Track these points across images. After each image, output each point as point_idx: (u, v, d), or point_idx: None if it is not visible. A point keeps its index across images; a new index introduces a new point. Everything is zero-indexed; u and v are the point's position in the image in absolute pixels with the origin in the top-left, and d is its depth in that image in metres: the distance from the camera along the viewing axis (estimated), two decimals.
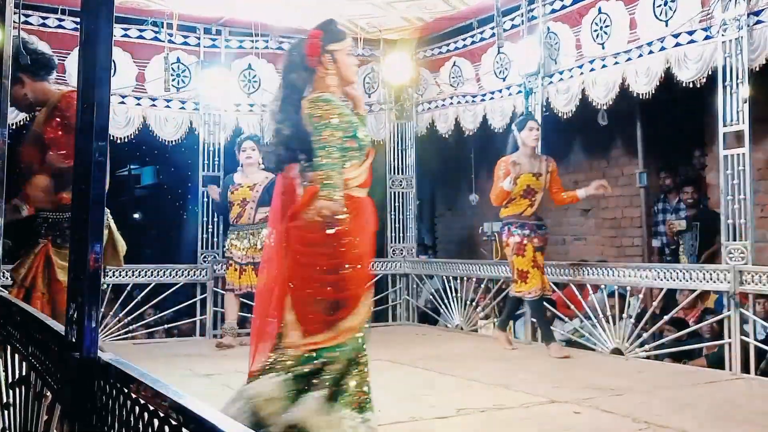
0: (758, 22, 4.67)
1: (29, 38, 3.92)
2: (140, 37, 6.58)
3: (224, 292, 6.32)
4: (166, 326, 7.16)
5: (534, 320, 5.96)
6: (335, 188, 2.85)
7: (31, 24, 6.13)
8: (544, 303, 5.68)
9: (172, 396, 1.21)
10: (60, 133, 3.45)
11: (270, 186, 5.94)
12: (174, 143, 6.83)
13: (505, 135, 7.07)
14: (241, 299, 6.11)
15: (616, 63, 5.59)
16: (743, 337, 4.67)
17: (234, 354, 5.65)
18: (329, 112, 2.94)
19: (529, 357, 5.47)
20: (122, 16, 6.36)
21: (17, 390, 2.17)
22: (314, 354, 2.86)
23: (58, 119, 3.50)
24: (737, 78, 4.74)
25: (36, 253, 3.45)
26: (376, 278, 7.81)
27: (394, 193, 7.69)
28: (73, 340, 1.55)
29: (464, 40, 7.09)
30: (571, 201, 5.89)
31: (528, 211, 5.52)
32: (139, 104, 6.61)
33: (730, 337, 4.74)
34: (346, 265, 2.94)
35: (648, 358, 5.36)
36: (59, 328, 1.76)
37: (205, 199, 6.82)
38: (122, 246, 3.69)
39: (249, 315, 6.04)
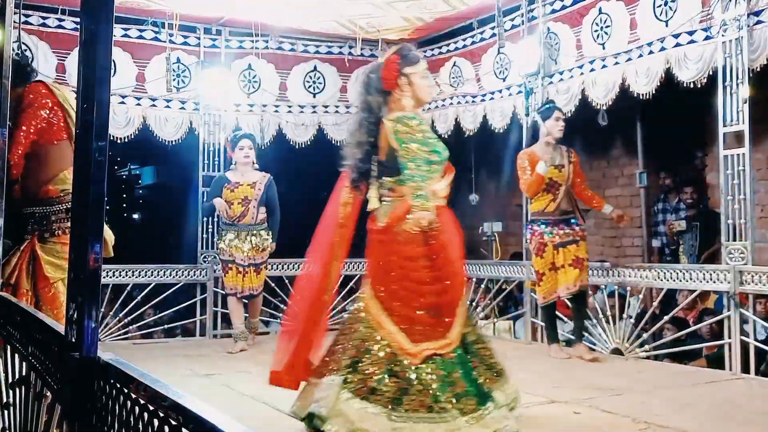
0: (758, 22, 4.67)
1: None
2: (140, 37, 6.58)
3: (227, 296, 5.96)
4: (166, 326, 7.15)
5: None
6: (427, 198, 3.12)
7: (31, 24, 6.14)
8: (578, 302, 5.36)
9: (172, 396, 1.21)
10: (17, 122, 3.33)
11: (269, 185, 5.92)
12: (174, 143, 6.82)
13: (506, 135, 7.09)
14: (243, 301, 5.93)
15: (617, 63, 5.59)
16: (743, 338, 4.67)
17: (235, 354, 5.65)
18: (414, 129, 3.23)
19: (529, 357, 5.47)
20: (122, 16, 6.36)
21: (17, 390, 2.17)
22: (431, 362, 3.08)
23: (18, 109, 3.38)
24: (737, 78, 4.74)
25: (21, 250, 3.40)
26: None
27: None
28: (73, 340, 1.55)
29: (464, 40, 7.09)
30: (595, 206, 5.50)
31: (551, 206, 5.27)
32: (139, 104, 6.61)
33: (730, 338, 4.74)
34: (446, 275, 3.23)
35: (648, 358, 5.37)
36: (59, 328, 1.76)
37: (205, 199, 6.81)
38: (110, 236, 3.60)
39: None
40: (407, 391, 3.00)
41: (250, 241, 5.79)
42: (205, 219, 6.76)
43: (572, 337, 5.47)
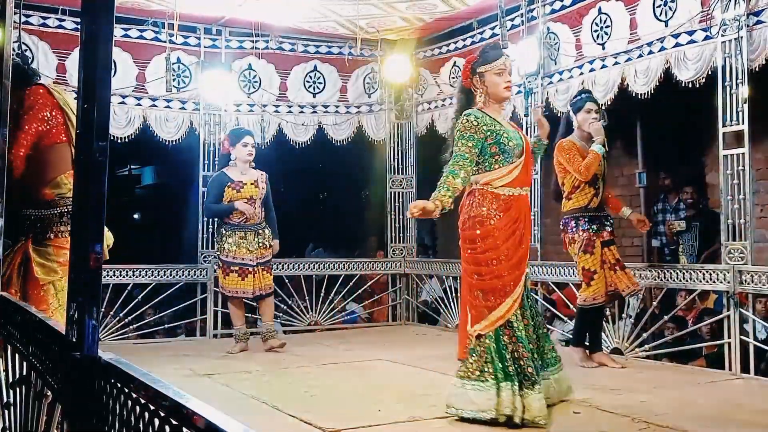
0: (758, 22, 4.68)
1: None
2: (141, 37, 6.59)
3: (227, 299, 5.83)
4: (166, 326, 7.15)
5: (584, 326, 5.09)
6: (446, 189, 3.43)
7: (31, 24, 6.15)
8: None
9: (172, 396, 1.21)
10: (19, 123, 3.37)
11: (268, 183, 5.82)
12: (174, 143, 6.82)
13: None
14: (246, 302, 5.84)
15: (616, 63, 5.60)
16: (743, 337, 4.67)
17: (235, 354, 5.66)
18: (468, 126, 3.53)
19: None
20: (123, 16, 6.37)
21: (18, 390, 2.17)
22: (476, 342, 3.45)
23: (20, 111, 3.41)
24: (737, 78, 4.74)
25: (14, 251, 3.42)
26: (377, 277, 7.84)
27: (394, 193, 7.69)
28: (74, 339, 1.55)
29: (464, 40, 7.09)
30: (613, 208, 5.12)
31: (594, 201, 4.89)
32: (139, 104, 6.62)
33: (729, 337, 4.74)
34: (493, 259, 3.49)
35: (647, 358, 5.37)
36: (60, 327, 1.76)
37: (208, 200, 6.81)
38: (110, 238, 3.61)
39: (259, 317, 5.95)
40: None
41: (257, 240, 5.68)
42: (205, 219, 6.75)
43: (571, 337, 5.44)
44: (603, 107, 5.71)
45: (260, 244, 5.68)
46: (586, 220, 4.88)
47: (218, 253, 5.78)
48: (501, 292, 3.47)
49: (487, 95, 3.63)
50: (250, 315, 6.18)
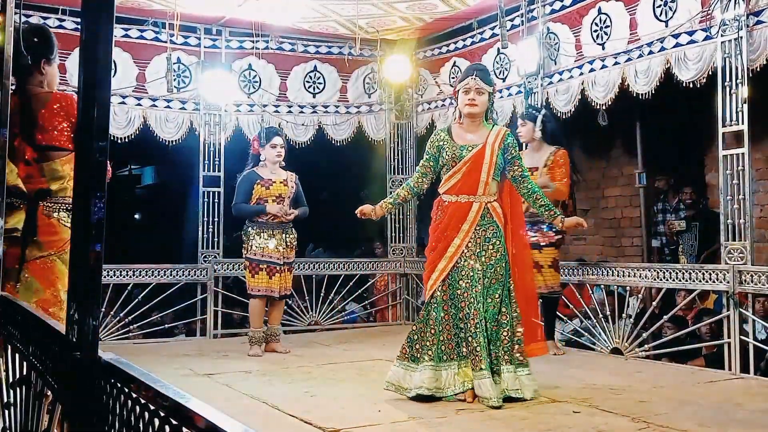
0: (758, 22, 4.68)
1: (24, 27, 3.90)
2: (141, 37, 6.59)
3: (251, 298, 5.65)
4: (166, 326, 7.15)
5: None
6: (393, 197, 4.21)
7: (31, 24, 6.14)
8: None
9: (172, 396, 1.21)
10: (59, 119, 3.46)
11: (298, 182, 5.74)
12: (174, 143, 6.82)
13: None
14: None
15: (616, 63, 5.60)
16: (743, 337, 4.68)
17: (234, 354, 5.66)
18: (429, 142, 4.15)
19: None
20: (123, 16, 6.37)
21: (18, 390, 2.18)
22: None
23: (56, 107, 3.49)
24: (737, 78, 4.74)
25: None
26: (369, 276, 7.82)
27: None
28: (74, 339, 1.56)
29: (464, 40, 7.09)
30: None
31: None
32: (139, 104, 6.62)
33: (729, 337, 4.74)
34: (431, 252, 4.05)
35: (647, 357, 5.37)
36: (60, 327, 1.76)
37: (206, 199, 6.83)
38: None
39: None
40: None
41: (284, 239, 5.62)
42: (205, 219, 6.77)
43: (570, 337, 5.49)
44: (603, 107, 5.74)
45: (287, 244, 5.63)
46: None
47: (245, 252, 5.66)
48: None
49: (458, 110, 4.14)
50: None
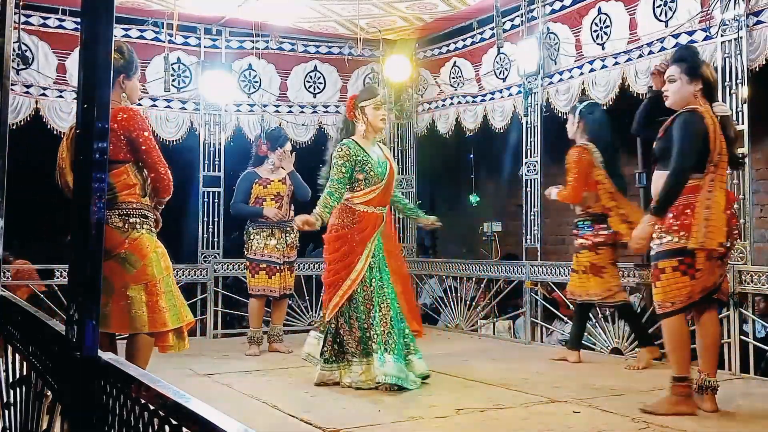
0: (758, 22, 4.68)
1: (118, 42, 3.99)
2: (141, 37, 6.59)
3: (251, 297, 5.70)
4: None
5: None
6: (323, 206, 4.22)
7: (31, 24, 6.15)
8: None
9: (172, 396, 1.21)
10: (112, 132, 3.59)
11: (291, 174, 5.70)
12: (174, 143, 6.82)
13: (506, 135, 7.10)
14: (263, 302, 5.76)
15: (616, 63, 5.60)
16: (743, 337, 4.67)
17: (234, 354, 5.66)
18: (340, 154, 4.32)
19: (529, 357, 5.47)
20: (123, 16, 6.37)
21: (18, 390, 2.18)
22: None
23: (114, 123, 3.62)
24: (737, 78, 4.74)
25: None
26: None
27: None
28: (74, 339, 1.56)
29: (464, 40, 7.09)
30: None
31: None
32: (139, 104, 6.60)
33: (729, 337, 4.74)
34: (336, 259, 4.35)
35: None
36: (59, 327, 1.76)
37: (206, 199, 6.83)
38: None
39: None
40: None
41: (284, 239, 5.64)
42: (205, 219, 6.77)
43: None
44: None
45: (287, 243, 5.65)
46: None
47: (246, 252, 5.70)
48: (336, 288, 4.30)
49: (368, 125, 4.40)
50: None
